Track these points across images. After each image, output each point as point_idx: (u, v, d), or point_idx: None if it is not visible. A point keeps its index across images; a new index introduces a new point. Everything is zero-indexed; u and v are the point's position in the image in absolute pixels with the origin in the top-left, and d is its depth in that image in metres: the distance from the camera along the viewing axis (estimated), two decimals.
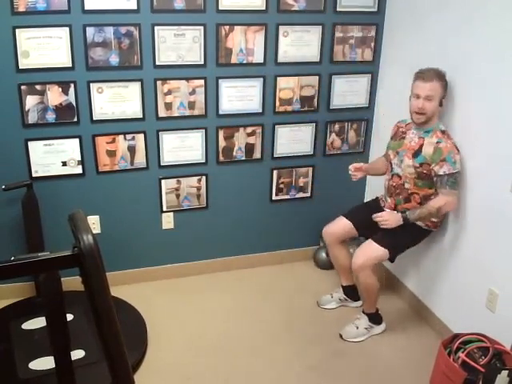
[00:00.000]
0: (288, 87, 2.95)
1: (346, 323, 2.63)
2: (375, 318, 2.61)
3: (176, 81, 2.74)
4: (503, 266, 2.17)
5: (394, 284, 3.05)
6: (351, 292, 2.84)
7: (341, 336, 2.58)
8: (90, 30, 2.51)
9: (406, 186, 2.47)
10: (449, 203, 2.32)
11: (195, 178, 2.98)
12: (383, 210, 2.57)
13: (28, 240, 2.64)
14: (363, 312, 2.61)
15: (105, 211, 2.87)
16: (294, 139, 3.08)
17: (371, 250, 2.43)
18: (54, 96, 2.57)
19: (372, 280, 2.45)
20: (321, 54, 2.93)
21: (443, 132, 2.35)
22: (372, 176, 3.11)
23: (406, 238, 2.48)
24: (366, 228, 2.56)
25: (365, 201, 3.31)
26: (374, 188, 3.09)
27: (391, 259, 2.50)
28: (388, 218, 2.36)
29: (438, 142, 2.31)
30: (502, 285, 2.19)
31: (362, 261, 2.41)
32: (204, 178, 2.99)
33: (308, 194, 3.24)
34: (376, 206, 2.68)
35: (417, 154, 2.38)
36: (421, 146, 2.37)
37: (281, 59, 2.87)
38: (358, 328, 2.58)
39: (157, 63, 2.67)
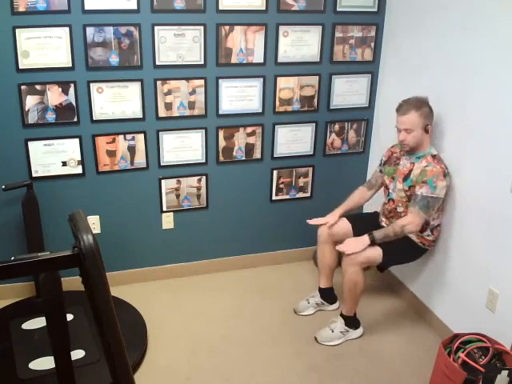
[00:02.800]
0: (288, 87, 2.95)
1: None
2: (352, 322, 2.57)
3: (176, 81, 2.74)
4: (503, 266, 2.17)
5: (394, 284, 3.05)
6: (328, 294, 2.82)
7: (316, 339, 2.56)
8: (89, 30, 2.51)
9: (399, 209, 2.53)
10: (413, 224, 2.35)
11: (195, 178, 2.98)
12: (381, 226, 2.63)
13: (28, 240, 2.64)
14: (341, 315, 2.58)
15: (105, 211, 2.87)
16: (293, 139, 3.08)
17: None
18: (54, 96, 2.57)
19: (359, 278, 2.42)
20: (321, 54, 2.93)
21: (434, 156, 2.40)
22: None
23: (402, 250, 2.48)
24: (363, 234, 2.55)
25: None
26: None
27: (382, 266, 2.49)
28: (349, 244, 2.41)
29: (426, 166, 2.37)
30: (502, 285, 2.19)
31: (353, 254, 2.40)
32: (204, 178, 2.99)
33: (308, 194, 3.25)
34: (375, 219, 2.73)
35: (406, 177, 2.45)
36: (410, 171, 2.44)
37: (281, 59, 2.87)
38: (333, 331, 2.55)
39: (157, 63, 2.67)
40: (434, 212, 2.39)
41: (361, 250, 2.37)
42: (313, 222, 2.72)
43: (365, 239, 2.39)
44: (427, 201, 2.33)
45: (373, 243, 2.38)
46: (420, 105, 2.35)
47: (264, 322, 2.72)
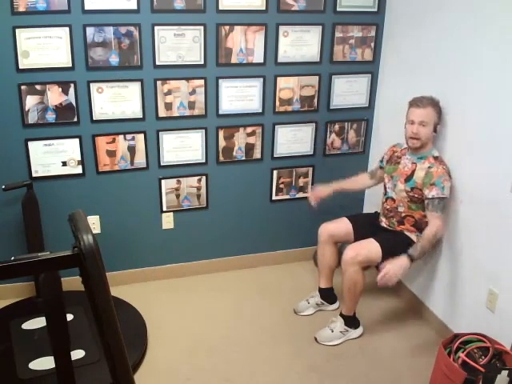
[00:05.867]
0: (288, 87, 2.95)
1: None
2: (352, 322, 2.57)
3: (176, 81, 2.74)
4: (503, 265, 2.17)
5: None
6: (328, 294, 2.82)
7: (316, 339, 2.56)
8: (90, 30, 2.51)
9: (400, 209, 2.53)
10: (440, 227, 2.36)
11: (195, 178, 2.98)
12: (381, 226, 2.63)
13: (28, 240, 2.64)
14: (340, 314, 2.58)
15: (105, 211, 2.87)
16: (293, 139, 3.08)
17: (366, 244, 2.44)
18: (54, 96, 2.57)
19: (359, 277, 2.42)
20: (321, 54, 2.93)
21: (436, 158, 2.41)
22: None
23: (401, 250, 2.45)
24: (363, 235, 2.56)
25: (364, 202, 3.33)
26: (374, 189, 3.08)
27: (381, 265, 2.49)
28: (389, 269, 2.20)
29: (429, 167, 2.38)
30: (501, 285, 2.19)
31: (354, 253, 2.40)
32: (204, 178, 2.99)
33: (308, 194, 3.24)
34: (375, 219, 2.72)
35: (409, 178, 2.45)
36: (413, 172, 2.44)
37: (281, 59, 2.87)
38: (332, 331, 2.55)
39: (157, 63, 2.67)
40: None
41: (402, 272, 2.22)
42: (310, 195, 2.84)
43: (403, 261, 2.23)
44: (443, 202, 2.34)
45: (412, 260, 2.26)
46: (436, 103, 2.40)
47: (264, 322, 2.72)
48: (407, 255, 2.26)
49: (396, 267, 2.22)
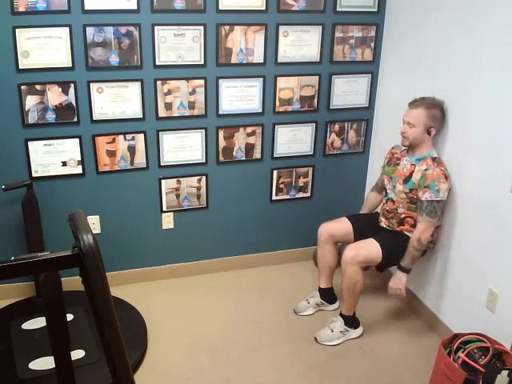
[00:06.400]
0: (288, 87, 2.95)
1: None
2: (351, 322, 2.57)
3: (176, 81, 2.74)
4: (503, 266, 2.17)
5: None
6: (328, 294, 2.82)
7: (316, 339, 2.56)
8: (89, 30, 2.51)
9: (399, 210, 2.52)
10: (424, 232, 2.36)
11: (195, 178, 2.98)
12: (380, 226, 2.63)
13: (28, 240, 2.64)
14: (340, 314, 2.58)
15: (105, 211, 2.87)
16: (293, 139, 3.08)
17: (366, 244, 2.44)
18: (54, 96, 2.57)
19: (359, 277, 2.43)
20: (321, 54, 2.93)
21: (434, 159, 2.40)
22: (371, 176, 3.14)
23: (401, 250, 2.47)
24: (363, 235, 2.56)
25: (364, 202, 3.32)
26: None
27: (381, 266, 2.49)
28: (396, 287, 2.43)
29: (426, 170, 2.37)
30: (501, 285, 2.19)
31: (354, 253, 2.40)
32: (204, 177, 2.99)
33: (308, 194, 3.25)
34: (375, 219, 2.72)
35: (407, 180, 2.44)
36: (411, 173, 2.43)
37: (281, 59, 2.87)
38: (332, 331, 2.55)
39: (157, 63, 2.67)
40: (440, 215, 2.40)
41: (404, 284, 2.42)
42: None
43: (400, 276, 2.41)
44: (433, 206, 2.33)
45: (407, 272, 2.41)
46: (432, 106, 2.38)
47: (264, 322, 2.72)
48: (402, 270, 2.41)
49: (395, 282, 2.43)
